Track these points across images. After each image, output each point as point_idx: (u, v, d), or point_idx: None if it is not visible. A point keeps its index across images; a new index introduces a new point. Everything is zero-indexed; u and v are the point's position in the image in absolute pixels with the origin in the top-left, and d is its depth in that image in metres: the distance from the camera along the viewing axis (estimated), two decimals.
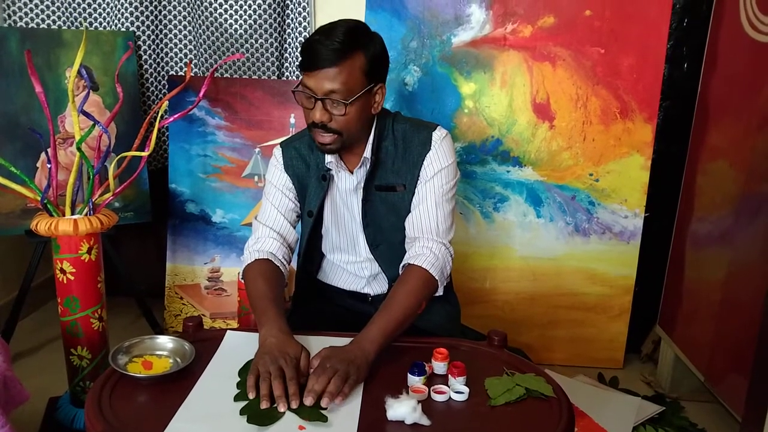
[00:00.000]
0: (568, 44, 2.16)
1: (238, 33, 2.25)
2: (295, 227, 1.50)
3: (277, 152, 1.50)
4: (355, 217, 1.49)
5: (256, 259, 1.41)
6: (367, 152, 1.42)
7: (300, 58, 1.33)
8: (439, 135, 1.43)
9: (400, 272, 1.39)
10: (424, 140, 1.43)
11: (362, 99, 1.33)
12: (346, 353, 1.16)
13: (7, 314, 2.26)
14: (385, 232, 1.49)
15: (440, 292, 1.40)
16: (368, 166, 1.43)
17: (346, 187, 1.47)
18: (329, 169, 1.45)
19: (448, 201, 1.44)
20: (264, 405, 1.06)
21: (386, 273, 1.52)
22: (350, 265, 1.55)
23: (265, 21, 2.24)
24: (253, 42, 2.27)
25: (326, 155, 1.42)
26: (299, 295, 1.63)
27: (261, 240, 1.44)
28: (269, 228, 1.46)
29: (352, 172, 1.45)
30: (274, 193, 1.48)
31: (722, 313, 1.89)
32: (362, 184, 1.45)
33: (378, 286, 1.57)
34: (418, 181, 1.43)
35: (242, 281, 1.45)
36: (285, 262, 1.45)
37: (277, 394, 1.07)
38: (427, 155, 1.42)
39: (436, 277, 1.36)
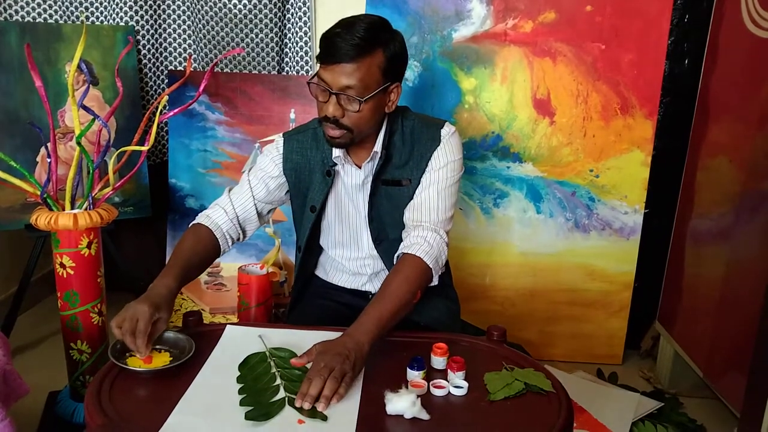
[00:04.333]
0: (569, 40, 2.16)
1: (239, 27, 2.25)
2: (262, 218, 1.50)
3: (279, 142, 1.48)
4: (360, 213, 1.48)
5: (198, 222, 1.43)
6: (378, 147, 1.41)
7: (319, 50, 1.30)
8: (447, 131, 1.44)
9: (395, 262, 1.39)
10: (433, 136, 1.43)
11: (377, 97, 1.32)
12: (340, 348, 1.14)
13: (7, 309, 2.27)
14: (387, 228, 1.48)
15: (435, 281, 1.39)
16: (378, 161, 1.42)
17: (352, 182, 1.46)
18: (335, 164, 1.43)
19: (450, 194, 1.43)
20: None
21: (389, 269, 1.50)
22: (352, 262, 1.55)
23: (266, 16, 2.24)
24: (254, 37, 2.26)
25: (334, 149, 1.40)
26: (299, 291, 1.62)
27: (214, 209, 1.45)
28: (231, 204, 1.45)
29: (359, 167, 1.44)
30: (257, 179, 1.47)
31: (721, 310, 1.89)
32: (370, 179, 1.44)
33: (379, 283, 1.55)
34: (424, 174, 1.43)
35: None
36: (228, 239, 1.44)
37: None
38: (436, 150, 1.42)
39: (431, 266, 1.34)
